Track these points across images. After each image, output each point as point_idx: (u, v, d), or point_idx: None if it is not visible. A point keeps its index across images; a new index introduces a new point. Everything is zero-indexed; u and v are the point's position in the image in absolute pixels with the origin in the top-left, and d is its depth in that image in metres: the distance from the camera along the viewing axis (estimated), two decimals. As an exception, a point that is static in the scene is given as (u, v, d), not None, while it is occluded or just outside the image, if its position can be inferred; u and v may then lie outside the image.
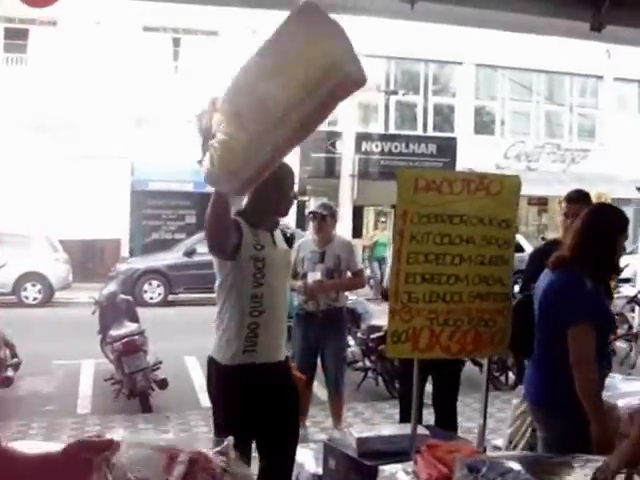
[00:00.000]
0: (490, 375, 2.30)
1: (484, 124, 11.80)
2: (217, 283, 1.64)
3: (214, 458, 1.07)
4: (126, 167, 9.56)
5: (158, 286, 7.93)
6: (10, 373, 3.59)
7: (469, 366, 2.82)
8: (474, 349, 1.79)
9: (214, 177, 1.39)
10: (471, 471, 1.24)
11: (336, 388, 2.91)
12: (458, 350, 1.77)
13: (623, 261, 1.81)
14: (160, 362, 3.58)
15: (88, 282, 7.69)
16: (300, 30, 1.30)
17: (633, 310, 4.81)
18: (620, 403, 1.94)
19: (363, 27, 9.64)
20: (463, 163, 10.01)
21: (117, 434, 1.10)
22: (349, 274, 2.89)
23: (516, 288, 1.98)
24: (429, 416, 2.57)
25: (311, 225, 2.93)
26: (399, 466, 1.48)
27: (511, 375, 3.82)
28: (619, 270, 1.95)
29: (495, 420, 2.92)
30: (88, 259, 9.51)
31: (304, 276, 2.78)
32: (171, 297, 7.98)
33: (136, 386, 3.33)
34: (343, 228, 9.06)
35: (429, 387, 2.46)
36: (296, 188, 1.75)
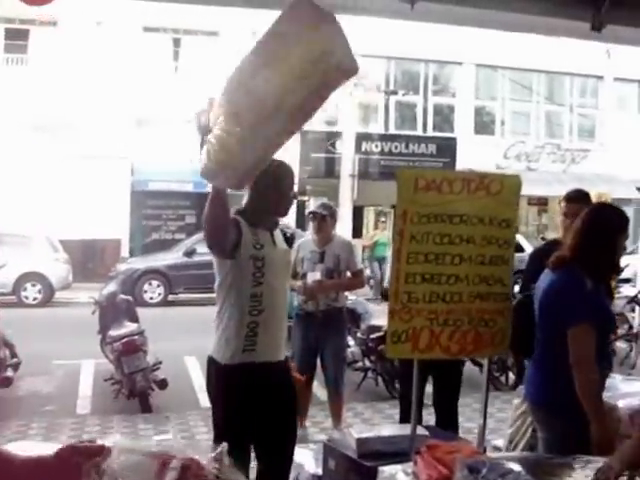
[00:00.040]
0: (490, 375, 2.29)
1: (484, 124, 11.80)
2: (217, 282, 1.64)
3: (207, 464, 1.06)
4: (126, 167, 9.57)
5: (158, 286, 7.93)
6: (10, 373, 3.59)
7: (469, 366, 2.82)
8: (474, 349, 1.79)
9: (211, 172, 1.40)
10: (471, 472, 1.23)
11: (336, 388, 2.91)
12: (458, 350, 1.76)
13: (623, 261, 1.80)
14: (160, 362, 3.58)
15: (88, 282, 7.70)
16: (292, 25, 1.31)
17: (633, 310, 4.81)
18: (620, 404, 1.94)
19: (363, 27, 9.65)
20: (463, 163, 10.01)
21: (110, 439, 1.10)
22: (349, 274, 2.88)
23: (516, 288, 1.97)
24: (429, 416, 2.57)
25: (311, 225, 2.93)
26: (399, 467, 1.47)
27: (511, 375, 3.82)
28: (619, 270, 1.94)
29: (495, 420, 2.92)
30: (88, 259, 9.51)
31: (304, 276, 2.77)
32: (171, 297, 7.99)
33: (136, 386, 3.33)
34: (343, 228, 9.05)
35: (429, 388, 2.45)
36: (296, 188, 1.75)
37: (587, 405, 1.48)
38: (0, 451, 1.11)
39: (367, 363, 3.84)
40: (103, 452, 1.07)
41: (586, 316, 1.52)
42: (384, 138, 11.00)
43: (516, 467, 1.25)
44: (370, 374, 3.82)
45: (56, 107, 8.97)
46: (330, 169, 10.89)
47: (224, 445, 1.08)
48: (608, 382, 1.71)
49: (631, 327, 4.68)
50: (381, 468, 1.51)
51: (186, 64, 10.33)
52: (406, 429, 1.79)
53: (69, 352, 4.57)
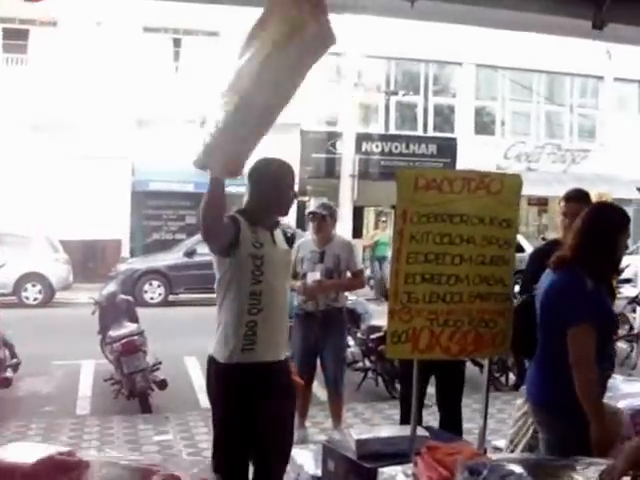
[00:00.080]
0: (490, 376, 2.29)
1: (484, 124, 11.80)
2: (216, 280, 1.64)
3: (190, 480, 1.05)
4: (127, 167, 9.57)
5: (158, 286, 7.93)
6: (9, 374, 3.59)
7: (469, 366, 2.81)
8: (475, 350, 1.78)
9: (200, 160, 1.43)
10: (472, 474, 1.23)
11: (336, 388, 2.90)
12: (458, 351, 1.76)
13: (624, 262, 1.79)
14: (159, 362, 3.57)
15: (89, 282, 7.69)
16: (275, 5, 1.37)
17: (634, 311, 4.80)
18: (621, 404, 1.93)
19: (364, 28, 9.67)
20: (463, 163, 10.01)
21: (88, 454, 1.08)
22: (349, 274, 2.88)
23: (516, 288, 1.97)
24: (428, 417, 2.56)
25: (311, 225, 2.92)
26: (399, 468, 1.47)
27: (512, 376, 3.81)
28: (620, 270, 1.93)
29: (495, 421, 2.92)
30: (89, 259, 9.51)
31: (304, 276, 2.77)
32: (171, 297, 7.99)
33: (135, 386, 3.33)
34: (343, 228, 9.04)
35: (430, 389, 2.45)
36: (296, 188, 1.75)
37: (586, 405, 1.47)
38: None
39: (367, 363, 3.84)
40: (80, 467, 1.05)
41: (587, 316, 1.51)
42: (384, 138, 11.00)
43: (517, 469, 1.25)
44: (370, 374, 3.81)
45: (56, 107, 8.97)
46: (330, 169, 10.89)
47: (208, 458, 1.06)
48: (609, 383, 1.70)
49: (632, 328, 4.67)
50: (381, 469, 1.51)
51: (186, 64, 10.33)
52: (406, 430, 1.78)
53: (69, 352, 4.57)
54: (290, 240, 1.78)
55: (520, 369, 3.26)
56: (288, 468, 1.88)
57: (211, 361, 1.65)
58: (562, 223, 2.06)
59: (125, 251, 9.39)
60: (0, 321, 3.90)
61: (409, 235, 1.68)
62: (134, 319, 3.88)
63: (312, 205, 8.06)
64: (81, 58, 9.16)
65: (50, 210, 8.47)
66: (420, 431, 1.78)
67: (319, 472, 1.86)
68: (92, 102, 9.07)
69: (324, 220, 2.82)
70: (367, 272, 7.85)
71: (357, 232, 10.27)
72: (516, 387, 3.55)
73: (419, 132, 11.36)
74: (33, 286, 7.65)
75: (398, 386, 3.42)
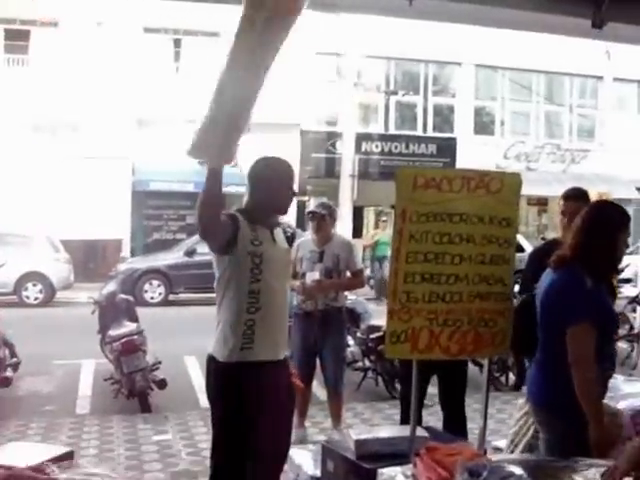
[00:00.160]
0: (490, 375, 2.28)
1: (484, 124, 11.80)
2: (216, 278, 1.64)
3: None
4: (127, 167, 9.57)
5: (159, 286, 7.93)
6: (9, 373, 3.59)
7: (470, 366, 2.81)
8: (474, 350, 1.78)
9: (192, 149, 1.45)
10: (472, 475, 1.23)
11: (335, 388, 2.90)
12: (458, 351, 1.75)
13: (624, 261, 1.79)
14: (159, 362, 3.57)
15: (90, 282, 7.70)
16: None
17: (634, 310, 4.80)
18: (622, 404, 1.92)
19: (364, 28, 9.67)
20: (463, 163, 10.01)
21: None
22: (348, 274, 2.88)
23: (516, 288, 1.96)
24: (428, 417, 2.55)
25: (310, 225, 2.92)
26: (398, 469, 1.47)
27: (511, 376, 3.81)
28: (620, 269, 1.93)
29: (495, 421, 2.90)
30: (90, 259, 9.52)
31: (303, 276, 2.76)
32: (172, 297, 7.98)
33: (135, 386, 3.32)
34: (343, 228, 9.04)
35: (431, 389, 2.44)
36: (296, 188, 1.75)
37: (585, 405, 1.47)
38: None
39: (367, 363, 3.83)
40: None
41: (586, 315, 1.51)
42: (384, 138, 11.00)
43: (517, 470, 1.25)
44: (370, 374, 3.81)
45: (57, 108, 8.98)
46: (330, 169, 10.89)
47: None
48: (610, 383, 1.69)
49: (632, 327, 4.66)
50: (380, 470, 1.51)
51: (187, 64, 10.34)
52: (405, 430, 1.78)
53: (70, 352, 4.57)
54: (290, 239, 1.79)
55: (520, 369, 3.26)
56: (287, 468, 1.88)
57: (210, 360, 1.65)
58: (561, 222, 2.06)
59: (126, 251, 9.39)
60: (0, 320, 3.90)
61: (408, 234, 1.67)
62: (134, 318, 3.88)
63: (312, 205, 8.06)
64: (82, 59, 9.17)
65: (51, 210, 8.48)
66: (420, 431, 1.77)
67: (318, 472, 1.86)
68: (93, 102, 9.08)
69: (323, 219, 2.81)
70: (367, 272, 7.85)
71: (357, 232, 10.27)
72: (516, 387, 3.55)
73: (419, 132, 11.36)
74: (34, 285, 7.65)
75: (398, 386, 3.42)
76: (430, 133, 11.41)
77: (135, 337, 3.49)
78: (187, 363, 4.38)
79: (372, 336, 3.69)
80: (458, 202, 1.70)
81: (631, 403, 1.96)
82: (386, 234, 8.78)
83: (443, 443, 1.52)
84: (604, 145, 11.71)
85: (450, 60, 11.21)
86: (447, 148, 11.02)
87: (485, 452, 1.83)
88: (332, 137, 10.82)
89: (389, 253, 1.75)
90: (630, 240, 1.87)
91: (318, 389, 3.34)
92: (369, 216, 11.17)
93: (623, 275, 4.62)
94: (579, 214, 1.63)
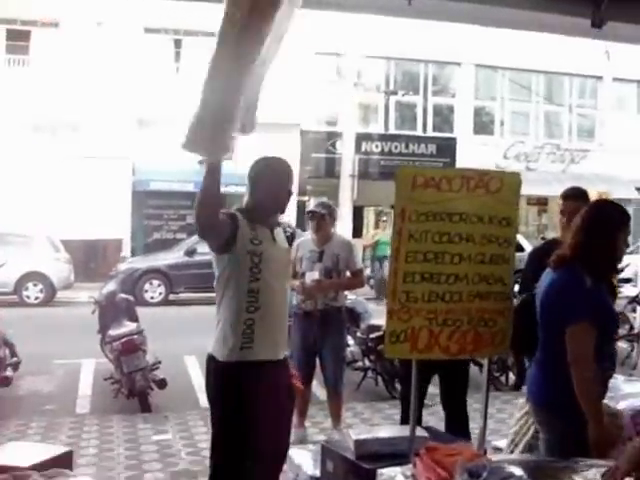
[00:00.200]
0: (490, 375, 2.28)
1: (483, 124, 11.81)
2: (215, 277, 1.65)
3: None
4: (127, 167, 9.58)
5: (159, 285, 7.93)
6: (9, 373, 3.59)
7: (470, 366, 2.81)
8: (474, 349, 1.77)
9: (187, 143, 1.45)
10: (471, 476, 1.22)
11: (335, 388, 2.90)
12: (458, 350, 1.75)
13: (624, 261, 1.78)
14: (159, 362, 3.57)
15: (90, 282, 7.71)
16: None
17: (634, 310, 4.80)
18: (622, 404, 1.92)
19: (363, 28, 9.66)
20: (463, 163, 10.01)
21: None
22: (348, 273, 2.88)
23: (516, 288, 1.96)
24: (429, 417, 2.55)
25: (310, 224, 2.92)
26: (398, 469, 1.46)
27: (511, 375, 3.81)
28: (620, 269, 1.92)
29: (495, 421, 2.90)
30: (90, 259, 9.53)
31: (302, 275, 2.76)
32: (172, 297, 7.99)
33: (135, 386, 3.32)
34: (343, 228, 9.04)
35: (432, 389, 2.43)
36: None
37: (584, 404, 1.47)
38: None
39: (367, 363, 3.83)
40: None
41: (585, 314, 1.51)
42: (384, 138, 11.01)
43: (517, 471, 1.25)
44: (370, 374, 3.80)
45: (58, 108, 8.99)
46: (330, 169, 10.90)
47: None
48: (610, 383, 1.69)
49: (632, 327, 4.66)
50: (380, 470, 1.51)
51: (187, 65, 10.34)
52: (405, 430, 1.78)
53: (70, 351, 4.57)
54: (290, 239, 1.80)
55: (520, 369, 3.25)
56: (286, 468, 1.88)
57: (210, 359, 1.65)
58: (560, 222, 2.06)
59: (126, 250, 9.40)
60: (1, 320, 3.90)
61: (408, 234, 1.67)
62: (134, 318, 3.88)
63: (312, 205, 8.04)
64: (82, 59, 9.18)
65: (51, 210, 8.49)
66: (419, 431, 1.77)
67: (318, 472, 1.85)
68: (93, 102, 9.09)
69: (323, 219, 2.81)
70: (367, 272, 7.84)
71: (357, 232, 10.28)
72: (516, 387, 3.55)
73: (418, 132, 11.37)
74: (34, 285, 7.66)
75: (398, 386, 3.42)
76: (430, 133, 11.41)
77: (135, 337, 3.49)
78: (187, 363, 4.38)
79: (372, 336, 3.68)
80: (457, 201, 1.70)
81: (631, 403, 1.96)
82: (386, 234, 8.77)
83: (443, 443, 1.52)
84: (604, 145, 11.71)
85: (450, 60, 11.22)
86: (447, 148, 11.03)
87: (485, 452, 1.83)
88: (332, 137, 10.82)
89: (389, 253, 1.75)
90: (630, 240, 1.86)
91: (318, 389, 3.33)
92: (369, 216, 11.17)
93: (623, 275, 4.62)
94: (579, 213, 1.63)
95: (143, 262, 8.24)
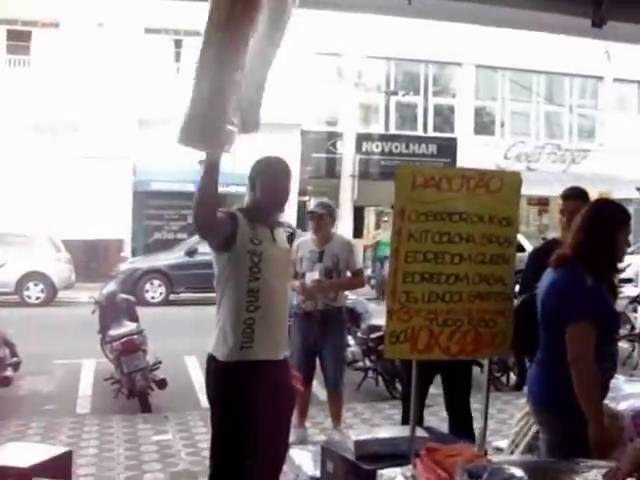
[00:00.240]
0: (491, 375, 2.27)
1: (484, 125, 11.81)
2: (215, 276, 1.65)
3: None
4: (128, 168, 9.60)
5: (159, 286, 7.95)
6: (9, 373, 3.59)
7: (470, 366, 2.80)
8: (474, 350, 1.77)
9: (180, 135, 1.46)
10: (472, 477, 1.22)
11: (335, 388, 2.89)
12: (458, 351, 1.74)
13: (625, 261, 1.78)
14: (159, 362, 3.57)
15: (91, 282, 7.70)
16: None
17: (636, 310, 4.79)
18: (623, 405, 1.91)
19: (364, 28, 9.66)
20: (463, 163, 10.00)
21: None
22: (349, 274, 2.88)
23: (516, 288, 1.96)
24: (429, 417, 2.55)
25: (310, 224, 2.92)
26: (398, 470, 1.46)
27: (512, 376, 3.80)
28: (621, 269, 1.92)
29: (496, 421, 2.90)
30: (91, 259, 9.54)
31: (303, 276, 2.76)
32: (172, 297, 8.00)
33: (135, 386, 3.32)
34: (344, 228, 9.03)
35: (433, 389, 2.43)
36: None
37: (584, 404, 1.46)
38: None
39: (367, 363, 3.82)
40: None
41: (585, 314, 1.50)
42: (384, 138, 11.01)
43: (518, 472, 1.23)
44: (370, 374, 3.80)
45: (58, 108, 9.01)
46: (331, 169, 10.90)
47: None
48: (611, 383, 1.68)
49: (633, 328, 4.65)
50: (380, 471, 1.51)
51: (188, 65, 10.35)
52: (405, 431, 1.77)
53: (70, 351, 4.57)
54: (290, 239, 1.79)
55: (521, 369, 3.24)
56: (287, 468, 1.88)
57: (210, 359, 1.65)
58: (560, 221, 2.06)
59: (127, 250, 9.41)
60: (1, 320, 3.90)
61: (407, 233, 1.67)
62: (134, 318, 3.88)
63: (312, 205, 8.03)
64: (83, 59, 9.20)
65: (52, 210, 8.50)
66: (419, 432, 1.76)
67: (318, 473, 1.85)
68: (94, 103, 9.11)
69: (322, 219, 2.80)
70: (368, 272, 7.84)
71: (358, 232, 10.28)
72: (517, 387, 3.54)
73: (419, 132, 11.38)
74: (35, 285, 7.67)
75: (398, 386, 3.42)
76: (430, 133, 11.41)
77: (135, 337, 3.49)
78: (187, 363, 4.38)
79: (372, 336, 3.68)
80: (457, 201, 1.69)
81: (632, 404, 1.95)
82: (387, 235, 8.72)
83: (443, 444, 1.51)
84: (604, 145, 11.70)
85: (450, 60, 11.22)
86: (447, 148, 11.03)
87: (486, 453, 1.82)
88: (333, 137, 10.83)
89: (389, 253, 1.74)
90: (631, 239, 1.86)
91: (318, 389, 3.33)
92: (370, 216, 11.17)
93: (624, 275, 4.61)
94: (579, 213, 1.62)
95: (144, 262, 8.26)
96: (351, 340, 3.79)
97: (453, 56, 10.91)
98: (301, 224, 7.16)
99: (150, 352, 3.60)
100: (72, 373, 4.15)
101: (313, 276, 2.73)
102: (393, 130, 11.23)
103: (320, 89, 10.53)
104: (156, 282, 7.95)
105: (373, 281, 8.19)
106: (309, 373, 2.81)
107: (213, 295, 1.71)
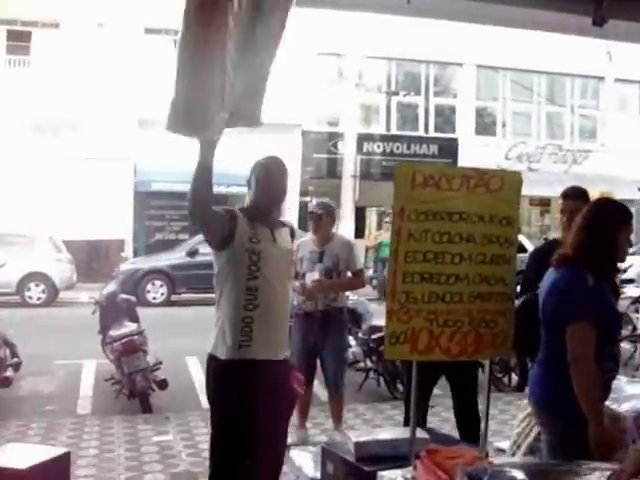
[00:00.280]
0: (492, 376, 2.26)
1: (485, 125, 11.80)
2: (214, 274, 1.65)
3: None
4: (129, 168, 9.61)
5: (161, 286, 7.95)
6: (9, 373, 3.58)
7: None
8: (475, 351, 1.76)
9: (167, 122, 1.50)
10: (472, 480, 1.21)
11: (336, 389, 2.88)
12: (458, 352, 1.73)
13: (627, 262, 1.76)
14: (160, 362, 3.56)
15: (92, 282, 7.70)
16: None
17: (637, 311, 4.77)
18: (625, 406, 1.90)
19: (365, 29, 9.66)
20: (464, 164, 9.99)
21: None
22: (349, 274, 2.87)
23: (517, 288, 1.95)
24: (430, 418, 2.54)
25: (310, 225, 2.92)
26: (398, 472, 1.45)
27: (514, 376, 3.79)
28: (623, 269, 1.90)
29: (497, 422, 2.88)
30: (92, 259, 9.55)
31: (303, 276, 2.76)
32: (174, 297, 7.99)
33: (136, 386, 3.32)
34: (345, 229, 9.02)
35: (435, 390, 2.42)
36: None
37: (584, 405, 1.45)
38: None
39: (369, 363, 3.81)
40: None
41: (585, 314, 1.49)
42: (386, 139, 11.01)
43: (519, 475, 1.22)
44: (372, 375, 3.79)
45: (58, 108, 9.03)
46: (332, 170, 10.90)
47: None
48: (613, 384, 1.66)
49: (635, 328, 4.63)
50: (380, 473, 1.50)
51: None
52: (406, 432, 1.76)
53: (71, 352, 4.57)
54: (292, 236, 1.79)
55: (522, 369, 3.23)
56: (287, 469, 1.88)
57: (210, 359, 1.65)
58: (561, 221, 2.05)
59: (128, 251, 9.41)
60: (2, 320, 3.90)
61: (407, 233, 1.66)
62: (135, 319, 3.88)
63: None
64: (83, 59, 9.21)
65: (53, 210, 8.52)
66: (420, 433, 1.75)
67: (318, 474, 1.84)
68: (94, 103, 9.12)
69: (321, 219, 2.80)
70: (370, 272, 7.82)
71: (359, 232, 10.27)
72: (519, 388, 3.53)
73: (420, 132, 11.37)
74: (36, 286, 7.68)
75: (400, 386, 3.41)
76: (432, 134, 11.41)
77: (135, 337, 3.48)
78: (188, 363, 4.38)
79: (374, 336, 3.67)
80: (457, 201, 1.68)
81: (634, 405, 1.93)
82: (389, 235, 8.69)
83: (444, 445, 1.50)
84: (606, 146, 11.68)
85: (451, 61, 11.22)
86: (449, 149, 11.02)
87: (487, 454, 1.81)
88: (334, 138, 10.83)
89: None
90: (633, 239, 1.84)
91: (319, 390, 3.32)
92: (371, 217, 11.17)
93: (626, 275, 4.59)
94: (580, 212, 1.61)
95: (145, 262, 8.26)
96: (352, 341, 3.79)
97: (454, 56, 10.90)
98: (302, 224, 7.15)
99: (151, 352, 3.59)
100: (73, 374, 4.15)
101: (313, 276, 2.73)
102: (394, 130, 11.22)
103: (321, 89, 10.53)
104: (157, 282, 7.95)
105: (374, 281, 8.17)
106: (310, 374, 2.81)
107: (214, 295, 1.70)
